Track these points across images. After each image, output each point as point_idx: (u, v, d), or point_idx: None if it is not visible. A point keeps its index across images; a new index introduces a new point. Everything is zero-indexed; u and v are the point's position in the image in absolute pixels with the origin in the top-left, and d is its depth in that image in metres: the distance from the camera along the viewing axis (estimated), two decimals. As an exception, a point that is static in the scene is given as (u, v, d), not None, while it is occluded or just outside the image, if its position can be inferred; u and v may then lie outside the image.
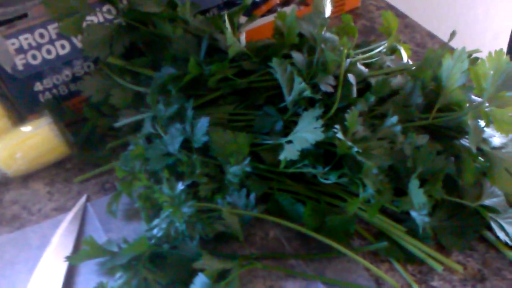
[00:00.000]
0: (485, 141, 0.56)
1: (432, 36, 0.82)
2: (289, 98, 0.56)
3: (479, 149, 0.55)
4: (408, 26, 0.84)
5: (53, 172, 0.68)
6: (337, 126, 0.52)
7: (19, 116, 0.70)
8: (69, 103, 0.71)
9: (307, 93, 0.54)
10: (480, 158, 0.57)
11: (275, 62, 0.55)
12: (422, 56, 0.78)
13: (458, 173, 0.56)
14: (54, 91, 0.69)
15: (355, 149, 0.51)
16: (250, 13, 0.77)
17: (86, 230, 0.62)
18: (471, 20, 1.31)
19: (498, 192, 0.56)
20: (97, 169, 0.67)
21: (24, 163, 0.66)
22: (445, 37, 0.81)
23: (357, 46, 0.70)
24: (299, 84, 0.54)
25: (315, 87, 0.57)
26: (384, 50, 0.66)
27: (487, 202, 0.56)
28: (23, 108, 0.69)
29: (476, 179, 0.56)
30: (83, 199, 0.65)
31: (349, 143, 0.51)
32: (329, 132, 0.53)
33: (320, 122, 0.52)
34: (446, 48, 0.64)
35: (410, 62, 0.68)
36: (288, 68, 0.55)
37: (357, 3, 0.88)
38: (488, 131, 0.57)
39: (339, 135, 0.51)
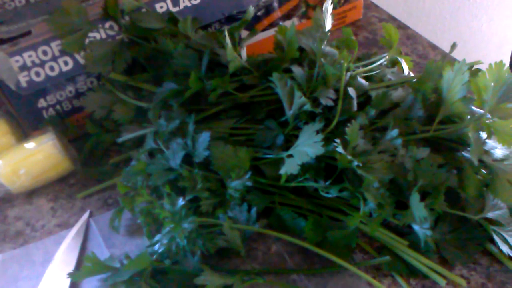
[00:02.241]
0: (487, 153, 0.56)
1: (434, 47, 0.82)
2: (289, 112, 0.56)
3: (481, 161, 0.55)
4: (410, 37, 0.84)
5: (57, 188, 0.69)
6: (337, 140, 0.51)
7: (23, 133, 0.71)
8: (72, 118, 0.72)
9: (307, 107, 0.54)
10: (482, 170, 0.57)
11: (275, 77, 0.55)
12: (424, 67, 0.78)
13: (460, 186, 0.56)
14: (58, 107, 0.70)
15: (356, 163, 0.51)
16: (252, 27, 0.77)
17: (89, 246, 0.62)
18: (474, 30, 1.31)
19: (501, 205, 0.55)
20: (100, 184, 0.67)
21: (27, 180, 0.66)
22: (448, 48, 0.81)
23: (358, 59, 0.70)
24: (299, 98, 0.54)
25: (315, 101, 0.57)
26: (385, 62, 0.66)
27: (490, 214, 0.55)
28: (27, 125, 0.69)
29: (479, 191, 0.55)
30: (86, 214, 0.65)
31: (350, 157, 0.51)
32: (329, 146, 0.53)
33: (321, 136, 0.52)
34: (447, 59, 0.64)
35: (412, 74, 0.68)
36: (288, 82, 0.55)
37: (359, 15, 0.88)
38: (490, 143, 0.57)
39: (340, 149, 0.51)
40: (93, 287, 0.57)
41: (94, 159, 0.70)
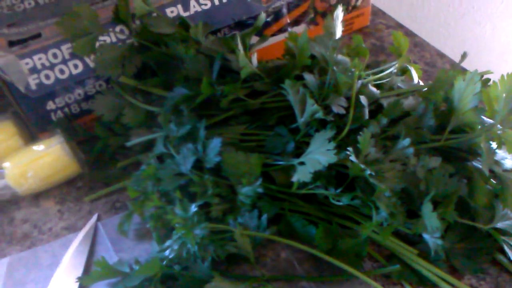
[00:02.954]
0: (497, 163, 0.56)
1: (442, 55, 0.82)
2: (301, 120, 0.56)
3: (491, 171, 0.55)
4: (417, 45, 0.85)
5: (64, 190, 0.69)
6: (350, 148, 0.52)
7: (31, 135, 0.70)
8: (80, 121, 0.71)
9: (319, 114, 0.55)
10: (492, 180, 0.57)
11: (287, 84, 0.55)
12: (432, 75, 0.78)
13: (470, 195, 0.56)
14: (66, 109, 0.70)
15: (368, 171, 0.51)
16: (260, 32, 0.77)
17: (97, 250, 0.62)
18: (478, 37, 1.31)
19: (511, 215, 0.56)
20: (108, 188, 0.67)
21: (35, 182, 0.66)
22: (453, 54, 0.81)
23: (367, 67, 0.71)
24: (312, 106, 0.54)
25: (327, 109, 0.57)
26: (395, 70, 0.66)
27: (500, 224, 0.55)
28: (35, 127, 0.69)
29: (489, 201, 0.56)
30: (94, 218, 0.65)
31: (362, 166, 0.51)
32: (341, 154, 0.53)
33: (333, 144, 0.52)
34: (456, 68, 0.65)
35: (421, 83, 0.68)
36: (301, 89, 0.55)
37: (366, 22, 0.89)
38: (500, 153, 0.57)
39: (352, 157, 0.51)
40: (101, 292, 0.57)
41: (102, 162, 0.70)
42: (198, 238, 0.52)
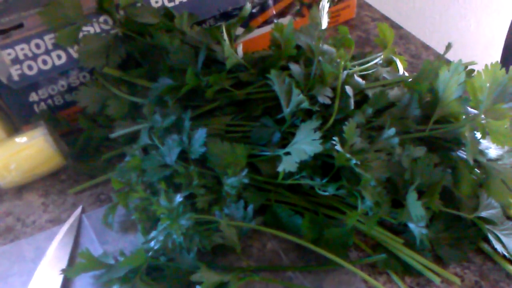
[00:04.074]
0: (482, 152, 0.56)
1: (426, 47, 0.82)
2: (287, 110, 0.56)
3: (475, 161, 0.55)
4: (402, 37, 0.85)
5: (48, 183, 0.68)
6: (335, 138, 0.52)
7: (14, 127, 0.69)
8: (64, 113, 0.71)
9: (305, 104, 0.54)
10: (476, 170, 0.57)
11: (273, 74, 0.55)
12: (417, 67, 0.79)
13: (455, 185, 0.56)
14: (50, 101, 0.69)
15: (354, 161, 0.51)
16: (246, 24, 0.77)
17: (81, 242, 0.61)
18: (463, 30, 1.32)
19: (494, 204, 0.56)
20: (92, 180, 0.66)
21: (18, 175, 0.65)
22: (438, 47, 0.82)
23: (353, 58, 0.71)
24: (297, 96, 0.54)
25: (312, 99, 0.57)
26: (380, 61, 0.66)
27: (484, 214, 0.56)
28: (18, 119, 0.68)
29: (473, 191, 0.56)
30: (78, 210, 0.64)
31: (348, 155, 0.51)
32: (327, 143, 0.53)
33: (319, 134, 0.52)
34: (441, 59, 0.65)
35: (406, 74, 0.68)
36: (286, 80, 0.55)
37: (352, 14, 0.89)
38: (484, 142, 0.57)
39: (338, 147, 0.51)
40: (86, 284, 0.56)
41: (86, 155, 0.69)
42: (184, 228, 0.51)
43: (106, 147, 0.69)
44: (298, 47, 0.61)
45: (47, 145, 0.65)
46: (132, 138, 0.64)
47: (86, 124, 0.67)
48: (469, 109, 0.58)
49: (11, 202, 0.66)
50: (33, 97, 0.67)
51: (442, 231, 0.57)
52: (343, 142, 0.53)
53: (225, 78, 0.59)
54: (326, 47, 0.58)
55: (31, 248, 0.61)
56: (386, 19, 0.89)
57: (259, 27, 0.79)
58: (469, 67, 0.63)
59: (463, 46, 1.29)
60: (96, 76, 0.67)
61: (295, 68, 0.57)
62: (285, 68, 0.59)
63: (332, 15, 0.86)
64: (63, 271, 0.55)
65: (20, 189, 0.67)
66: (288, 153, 0.54)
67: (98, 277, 0.55)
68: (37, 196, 0.67)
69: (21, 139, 0.65)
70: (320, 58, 0.57)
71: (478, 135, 0.56)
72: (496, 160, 0.56)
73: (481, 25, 1.32)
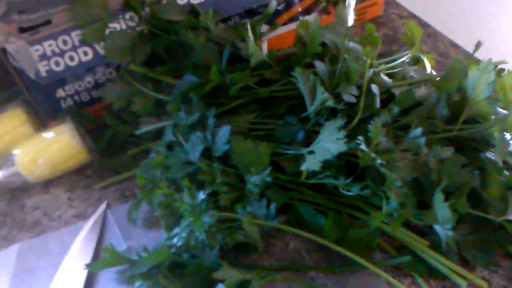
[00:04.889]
0: (511, 154, 0.55)
1: (455, 46, 0.80)
2: (311, 108, 0.56)
3: (504, 163, 0.54)
4: (430, 35, 0.83)
5: (74, 178, 0.69)
6: (360, 137, 0.51)
7: (41, 122, 0.70)
8: (90, 109, 0.71)
9: (330, 103, 0.54)
10: (505, 172, 0.56)
11: (297, 72, 0.55)
12: (445, 66, 0.77)
13: (483, 187, 0.55)
14: (76, 97, 0.70)
15: (379, 161, 0.50)
16: (271, 21, 0.76)
17: (106, 238, 0.62)
18: (493, 28, 1.29)
19: (524, 207, 0.55)
20: (118, 176, 0.67)
21: (45, 169, 0.66)
22: (467, 46, 0.80)
23: (380, 56, 0.70)
24: (322, 94, 0.54)
25: (337, 97, 0.56)
26: (408, 60, 0.65)
27: (513, 216, 0.54)
28: (45, 114, 0.69)
29: (502, 193, 0.55)
30: (103, 206, 0.65)
31: (373, 155, 0.50)
32: (351, 143, 0.52)
33: (343, 133, 0.51)
34: (470, 58, 0.63)
35: (434, 73, 0.67)
36: (311, 77, 0.55)
37: (379, 11, 0.87)
38: (514, 144, 0.56)
39: (363, 146, 0.50)
40: (110, 279, 0.57)
41: (112, 150, 0.70)
42: (206, 226, 0.51)
43: (132, 143, 0.69)
44: (323, 44, 0.60)
45: (73, 140, 0.66)
46: (157, 134, 0.65)
47: (112, 121, 0.68)
48: (499, 109, 0.57)
49: (39, 196, 0.67)
50: (60, 93, 0.68)
51: (469, 233, 0.56)
52: (368, 142, 0.52)
53: (249, 76, 0.59)
54: (352, 44, 0.58)
55: (56, 242, 0.62)
56: (413, 16, 0.87)
57: (284, 24, 0.79)
58: (500, 66, 0.62)
59: (494, 45, 1.25)
60: (122, 73, 0.68)
61: (320, 65, 0.56)
62: (310, 66, 0.59)
63: (358, 12, 0.85)
64: (87, 265, 0.55)
65: (47, 184, 0.68)
66: (311, 152, 0.53)
67: (122, 273, 0.55)
68: (63, 190, 0.67)
69: (48, 134, 0.66)
70: (346, 55, 0.56)
71: (508, 136, 0.55)
72: (527, 162, 0.54)
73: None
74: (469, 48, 0.78)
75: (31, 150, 0.65)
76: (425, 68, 0.68)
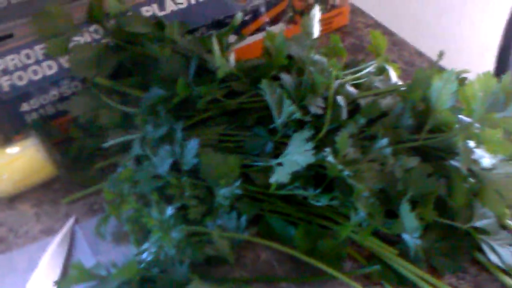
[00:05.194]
0: (476, 162, 0.56)
1: (420, 54, 0.82)
2: (278, 120, 0.56)
3: (469, 170, 0.55)
4: (396, 43, 0.85)
5: (40, 193, 0.67)
6: (327, 149, 0.51)
7: (5, 137, 0.69)
8: (57, 122, 0.70)
9: (297, 115, 0.54)
10: (470, 179, 0.57)
11: (264, 84, 0.55)
12: (411, 74, 0.78)
13: (449, 195, 0.56)
14: (41, 111, 0.68)
15: (346, 172, 0.50)
16: (238, 31, 0.77)
17: (74, 253, 0.61)
18: (457, 36, 1.32)
19: (489, 214, 0.56)
20: (85, 190, 0.66)
21: (10, 185, 0.65)
22: (432, 54, 0.82)
23: (346, 66, 0.70)
24: (289, 107, 0.54)
25: (304, 109, 0.57)
26: (373, 70, 0.66)
27: (478, 223, 0.55)
28: (9, 129, 0.68)
29: (467, 200, 0.56)
30: (71, 220, 0.64)
31: (340, 166, 0.50)
32: (319, 154, 0.53)
33: (311, 144, 0.51)
34: (434, 67, 0.65)
35: (400, 82, 0.68)
36: (277, 90, 0.55)
37: (345, 21, 0.88)
38: (479, 152, 0.57)
39: (330, 158, 0.50)
40: (77, 297, 0.56)
41: (79, 164, 0.68)
42: (175, 241, 0.51)
43: (100, 156, 0.68)
44: (290, 56, 0.60)
45: (39, 155, 0.65)
46: (125, 147, 0.64)
47: (78, 134, 0.67)
48: (464, 118, 0.58)
49: (3, 212, 0.66)
50: (25, 107, 0.67)
51: (437, 241, 0.56)
52: (335, 153, 0.52)
53: (217, 88, 0.58)
54: (317, 57, 0.58)
55: (23, 259, 0.61)
56: (379, 25, 0.88)
57: (252, 34, 0.79)
58: (463, 75, 0.63)
59: (458, 52, 1.29)
60: (88, 85, 0.67)
61: (286, 78, 0.56)
62: (278, 78, 0.59)
63: (325, 22, 0.86)
64: (55, 283, 0.54)
65: (13, 199, 0.67)
66: (280, 164, 0.53)
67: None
68: (29, 206, 0.66)
69: (12, 150, 0.65)
70: (311, 68, 0.56)
71: (472, 144, 0.56)
72: (490, 169, 0.55)
73: (475, 31, 1.32)
74: (434, 56, 0.80)
75: (-6, 166, 0.64)
76: (390, 78, 0.69)
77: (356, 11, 0.92)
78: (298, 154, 0.52)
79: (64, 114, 0.69)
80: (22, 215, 0.65)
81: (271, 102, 0.56)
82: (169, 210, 0.51)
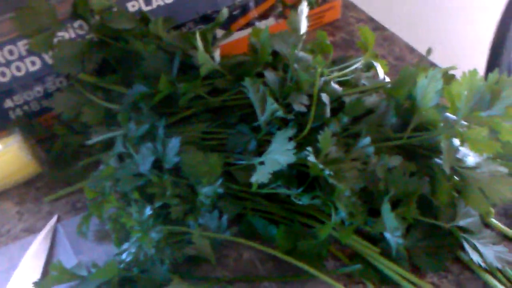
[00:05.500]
0: (460, 160, 0.55)
1: (411, 49, 0.81)
2: (262, 118, 0.55)
3: (453, 169, 0.54)
4: (387, 39, 0.84)
5: (23, 191, 0.67)
6: (309, 148, 0.51)
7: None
8: (41, 119, 0.70)
9: (280, 113, 0.54)
10: (455, 177, 0.56)
11: (247, 82, 0.54)
12: (401, 69, 0.77)
13: (433, 194, 0.56)
14: (26, 107, 0.68)
15: (327, 172, 0.50)
16: (227, 26, 0.76)
17: (56, 252, 0.60)
18: (450, 30, 1.31)
19: (472, 213, 0.55)
20: (68, 188, 0.65)
21: (-8, 182, 0.64)
22: (424, 49, 0.81)
23: (334, 62, 0.70)
24: (272, 105, 0.53)
25: (288, 107, 0.56)
26: (360, 66, 0.65)
27: (462, 222, 0.55)
28: (-7, 126, 0.67)
29: (450, 199, 0.55)
30: (53, 219, 0.63)
31: (321, 166, 0.50)
32: (302, 153, 0.52)
33: (292, 144, 0.51)
34: (423, 63, 0.64)
35: (387, 78, 0.67)
36: (261, 88, 0.54)
37: (337, 15, 0.87)
38: (463, 150, 0.57)
39: (311, 158, 0.50)
40: (61, 295, 0.55)
41: (63, 161, 0.68)
42: (155, 241, 0.50)
43: (84, 153, 0.68)
44: (276, 53, 0.60)
45: (21, 152, 0.64)
46: (110, 144, 0.63)
47: (62, 130, 0.66)
48: (449, 115, 0.57)
49: (-14, 210, 0.65)
50: (8, 103, 0.66)
51: (420, 240, 0.56)
52: (317, 152, 0.52)
53: (199, 85, 0.58)
54: (301, 54, 0.57)
55: (4, 258, 0.60)
56: (371, 20, 0.87)
57: (241, 29, 0.78)
58: (451, 71, 0.62)
59: (451, 48, 1.27)
60: (72, 82, 0.66)
61: (270, 75, 0.56)
62: (262, 75, 0.58)
63: (316, 16, 0.85)
64: (35, 284, 0.54)
65: (-4, 197, 0.66)
66: (262, 163, 0.53)
67: (73, 288, 0.54)
68: (12, 204, 0.66)
69: (-6, 147, 0.64)
70: (296, 65, 0.55)
71: (457, 142, 0.55)
72: (474, 168, 0.55)
73: (469, 27, 1.31)
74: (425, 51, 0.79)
75: (-24, 163, 0.63)
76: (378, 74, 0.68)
77: (348, 5, 0.91)
78: (279, 153, 0.51)
79: (48, 110, 0.69)
80: (4, 214, 0.65)
81: (254, 100, 0.55)
82: (148, 210, 0.50)
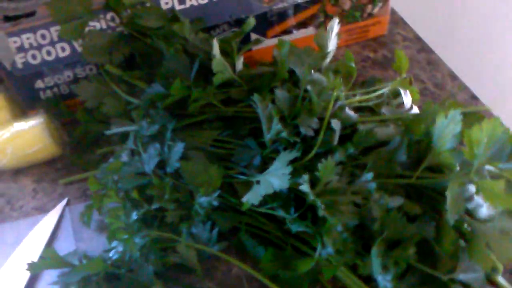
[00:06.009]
0: (471, 210, 0.52)
1: (454, 77, 0.76)
2: (267, 136, 0.54)
3: (460, 220, 0.51)
4: (431, 62, 0.79)
5: (43, 170, 0.69)
6: (305, 176, 0.49)
7: (22, 111, 0.71)
8: (70, 102, 0.72)
9: (284, 135, 0.52)
10: (466, 227, 0.53)
11: (256, 98, 0.53)
12: (439, 98, 0.73)
13: (437, 240, 0.52)
14: (55, 89, 0.70)
15: (319, 203, 0.48)
16: (263, 32, 0.75)
17: (59, 236, 0.62)
18: (498, 62, 1.21)
19: (476, 268, 0.51)
20: (82, 173, 0.67)
21: (14, 158, 0.67)
22: (467, 79, 0.76)
23: (363, 83, 0.67)
24: (277, 125, 0.52)
25: (296, 128, 0.54)
26: (387, 92, 0.62)
27: (463, 276, 0.51)
28: (24, 104, 0.70)
29: (454, 249, 0.52)
30: (63, 202, 0.65)
31: (313, 197, 0.48)
32: (299, 178, 0.50)
33: (289, 168, 0.49)
34: (459, 94, 0.60)
35: (415, 108, 0.63)
36: (269, 105, 0.53)
37: (383, 31, 0.84)
38: (478, 199, 0.53)
39: (304, 187, 0.48)
40: (53, 278, 0.57)
41: (83, 147, 0.70)
42: (138, 246, 0.51)
43: (105, 141, 0.69)
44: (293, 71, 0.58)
45: (44, 133, 0.67)
46: (126, 138, 0.64)
47: (84, 117, 0.68)
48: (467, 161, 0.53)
49: (6, 184, 0.68)
50: (39, 84, 0.68)
51: (416, 285, 0.53)
52: (315, 180, 0.50)
53: (212, 93, 0.57)
54: (316, 75, 0.55)
55: (13, 232, 0.63)
56: (418, 39, 0.83)
57: (277, 36, 0.76)
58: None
59: (501, 78, 1.18)
60: (100, 71, 0.67)
61: (280, 94, 0.54)
62: (278, 90, 0.57)
63: (360, 30, 0.82)
64: (28, 265, 0.56)
65: (17, 172, 0.69)
66: (259, 182, 0.52)
67: (63, 275, 0.56)
68: (30, 181, 0.68)
69: (20, 125, 0.67)
70: (309, 87, 0.53)
71: (472, 189, 0.52)
72: (485, 221, 0.51)
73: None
74: (467, 79, 0.75)
75: (1, 138, 0.66)
76: (410, 101, 0.65)
77: (398, 21, 0.87)
78: (274, 176, 0.50)
79: (77, 95, 0.70)
80: (21, 189, 0.67)
81: (261, 116, 0.54)
82: (134, 216, 0.51)
